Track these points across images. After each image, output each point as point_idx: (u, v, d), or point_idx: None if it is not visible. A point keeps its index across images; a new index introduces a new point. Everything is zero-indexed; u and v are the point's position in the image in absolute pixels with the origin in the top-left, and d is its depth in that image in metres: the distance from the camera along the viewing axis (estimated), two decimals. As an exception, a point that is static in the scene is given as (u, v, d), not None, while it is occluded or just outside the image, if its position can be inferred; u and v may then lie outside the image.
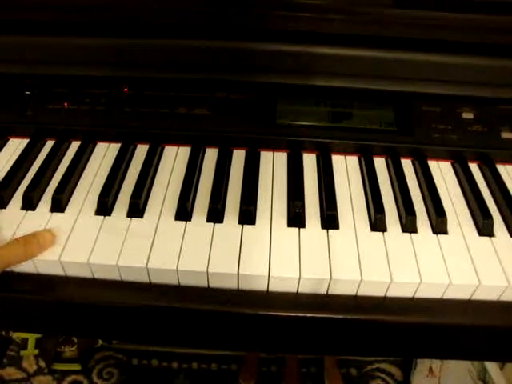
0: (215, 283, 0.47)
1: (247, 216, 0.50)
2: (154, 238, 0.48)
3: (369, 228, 0.51)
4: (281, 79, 0.61)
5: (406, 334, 0.49)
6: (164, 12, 0.59)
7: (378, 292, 0.47)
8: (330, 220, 0.50)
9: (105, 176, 0.55)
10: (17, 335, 1.17)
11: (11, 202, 0.53)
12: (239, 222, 0.50)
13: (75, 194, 0.54)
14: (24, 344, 1.17)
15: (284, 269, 0.46)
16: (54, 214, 0.51)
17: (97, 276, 0.47)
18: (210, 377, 1.17)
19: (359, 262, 0.47)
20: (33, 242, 0.45)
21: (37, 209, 0.52)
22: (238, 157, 0.59)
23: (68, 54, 0.62)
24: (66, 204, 0.52)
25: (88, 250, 0.47)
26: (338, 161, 0.59)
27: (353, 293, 0.47)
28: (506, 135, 0.59)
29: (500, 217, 0.53)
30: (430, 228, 0.51)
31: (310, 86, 0.61)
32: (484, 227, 0.51)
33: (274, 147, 0.60)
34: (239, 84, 0.62)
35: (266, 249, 0.48)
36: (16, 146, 0.60)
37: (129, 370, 1.18)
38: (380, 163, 0.59)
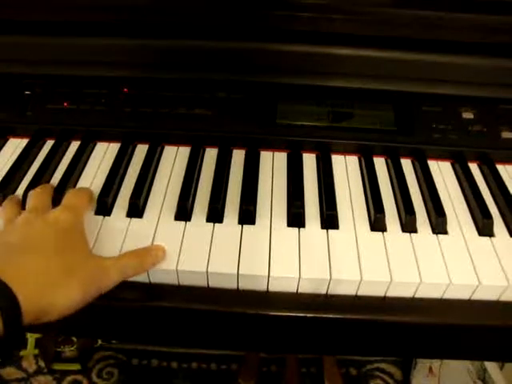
0: (215, 283, 0.47)
1: (247, 216, 0.50)
2: (153, 238, 0.48)
3: (369, 228, 0.51)
4: (281, 79, 0.61)
5: (406, 334, 0.49)
6: (164, 12, 0.58)
7: (378, 292, 0.47)
8: (329, 220, 0.50)
9: (104, 176, 0.55)
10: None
11: (11, 202, 0.52)
12: (239, 222, 0.50)
13: (75, 193, 0.54)
14: (24, 344, 1.17)
15: (284, 269, 0.46)
16: (54, 213, 0.51)
17: (96, 276, 0.47)
18: (209, 377, 1.16)
19: (359, 261, 0.47)
20: (147, 255, 0.45)
21: (36, 209, 0.52)
22: (238, 157, 0.59)
23: (68, 53, 0.61)
24: (66, 204, 0.52)
25: (88, 249, 0.47)
26: (337, 161, 0.59)
27: (353, 293, 0.47)
28: (505, 135, 0.59)
29: (500, 217, 0.53)
30: (429, 228, 0.51)
31: (310, 86, 0.61)
32: (484, 227, 0.51)
33: (273, 147, 0.60)
34: (239, 84, 0.62)
35: (266, 249, 0.47)
36: (16, 145, 0.60)
37: (129, 369, 1.17)
38: (380, 163, 0.59)
